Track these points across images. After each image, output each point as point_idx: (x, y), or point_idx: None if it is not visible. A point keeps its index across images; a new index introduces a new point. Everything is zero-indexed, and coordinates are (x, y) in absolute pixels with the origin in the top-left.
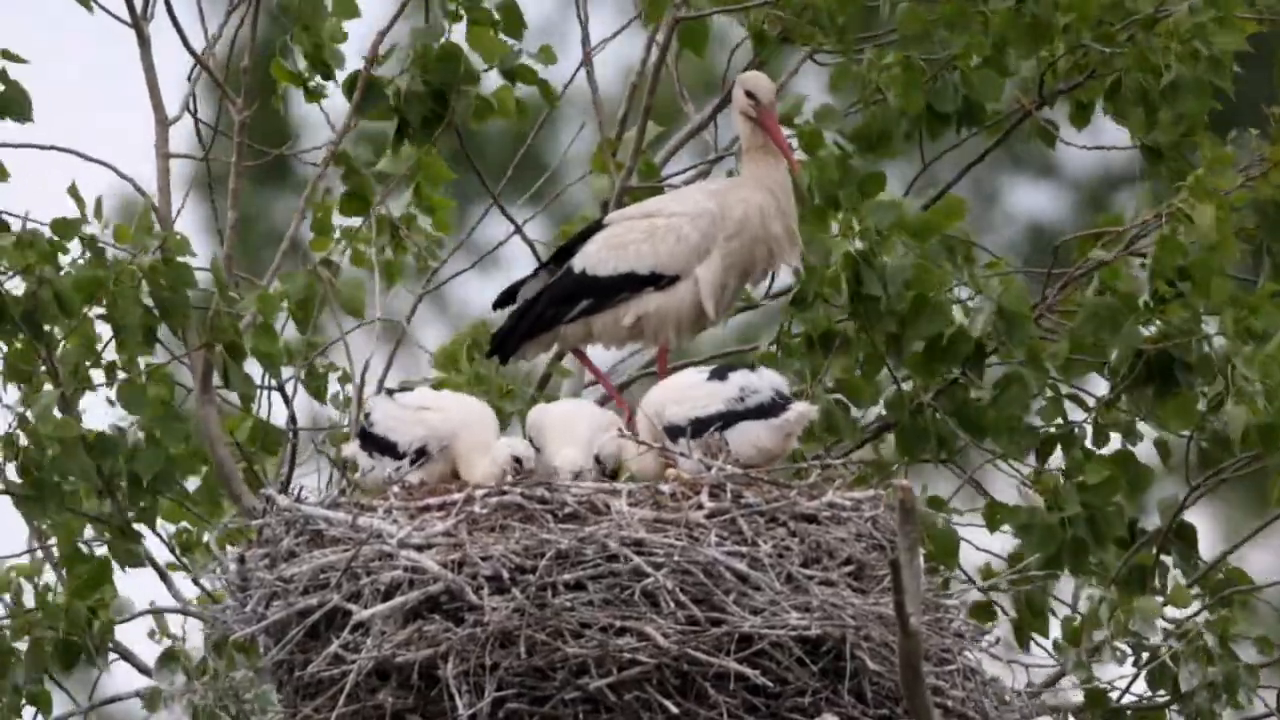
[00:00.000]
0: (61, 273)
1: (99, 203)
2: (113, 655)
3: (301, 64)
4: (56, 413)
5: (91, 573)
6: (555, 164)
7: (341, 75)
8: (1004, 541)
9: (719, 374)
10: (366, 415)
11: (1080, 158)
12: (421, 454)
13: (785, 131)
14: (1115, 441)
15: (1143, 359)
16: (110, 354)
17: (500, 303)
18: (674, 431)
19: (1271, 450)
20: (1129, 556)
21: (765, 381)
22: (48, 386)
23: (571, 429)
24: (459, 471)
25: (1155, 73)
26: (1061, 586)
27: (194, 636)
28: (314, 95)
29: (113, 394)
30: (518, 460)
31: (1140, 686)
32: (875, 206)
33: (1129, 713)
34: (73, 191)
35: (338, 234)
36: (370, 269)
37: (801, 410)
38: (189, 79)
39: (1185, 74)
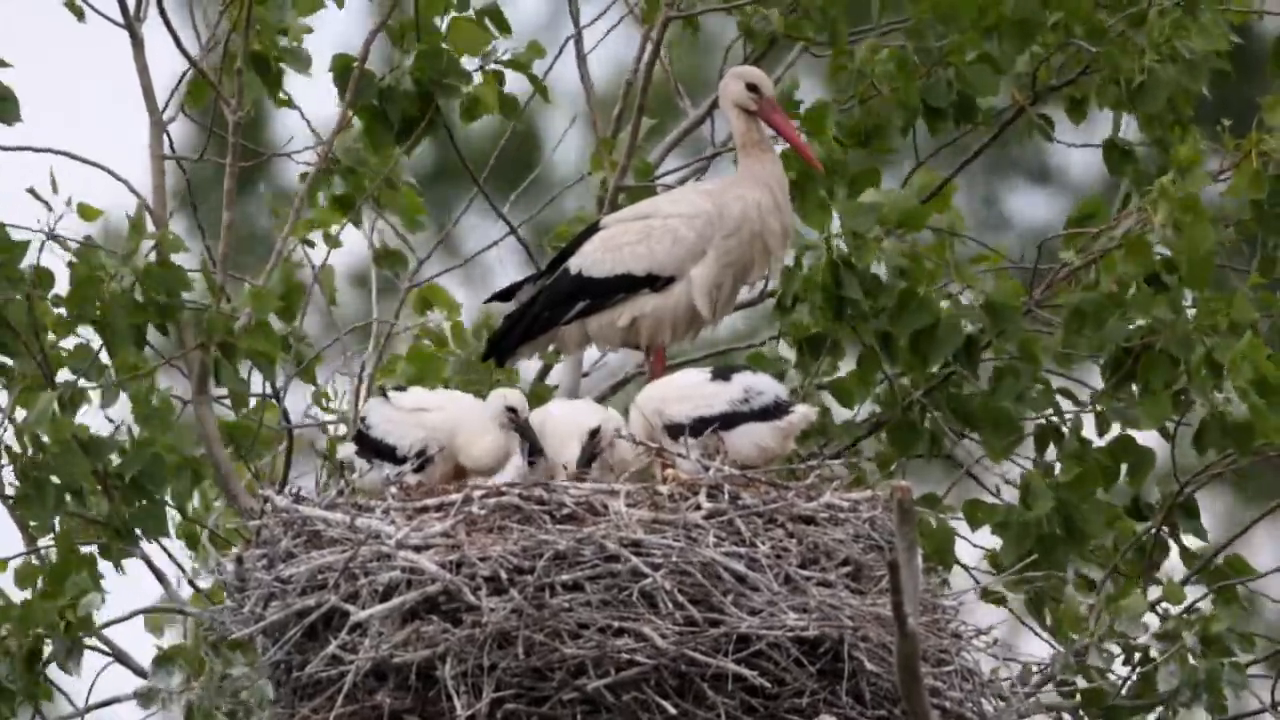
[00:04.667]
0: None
1: (69, 201)
2: (108, 658)
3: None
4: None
5: (58, 568)
6: (544, 165)
7: (310, 74)
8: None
9: (722, 375)
10: (362, 419)
11: (1076, 163)
12: (422, 456)
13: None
14: (1113, 430)
15: (1131, 355)
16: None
17: (494, 300)
18: (675, 429)
19: (1245, 449)
20: (1132, 545)
21: (767, 384)
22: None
23: (574, 429)
24: (461, 462)
25: (1131, 71)
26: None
27: (188, 636)
28: (283, 101)
29: (99, 398)
30: (512, 409)
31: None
32: (855, 209)
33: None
34: (32, 192)
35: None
36: (338, 246)
37: (803, 413)
38: (186, 82)
39: (1160, 75)
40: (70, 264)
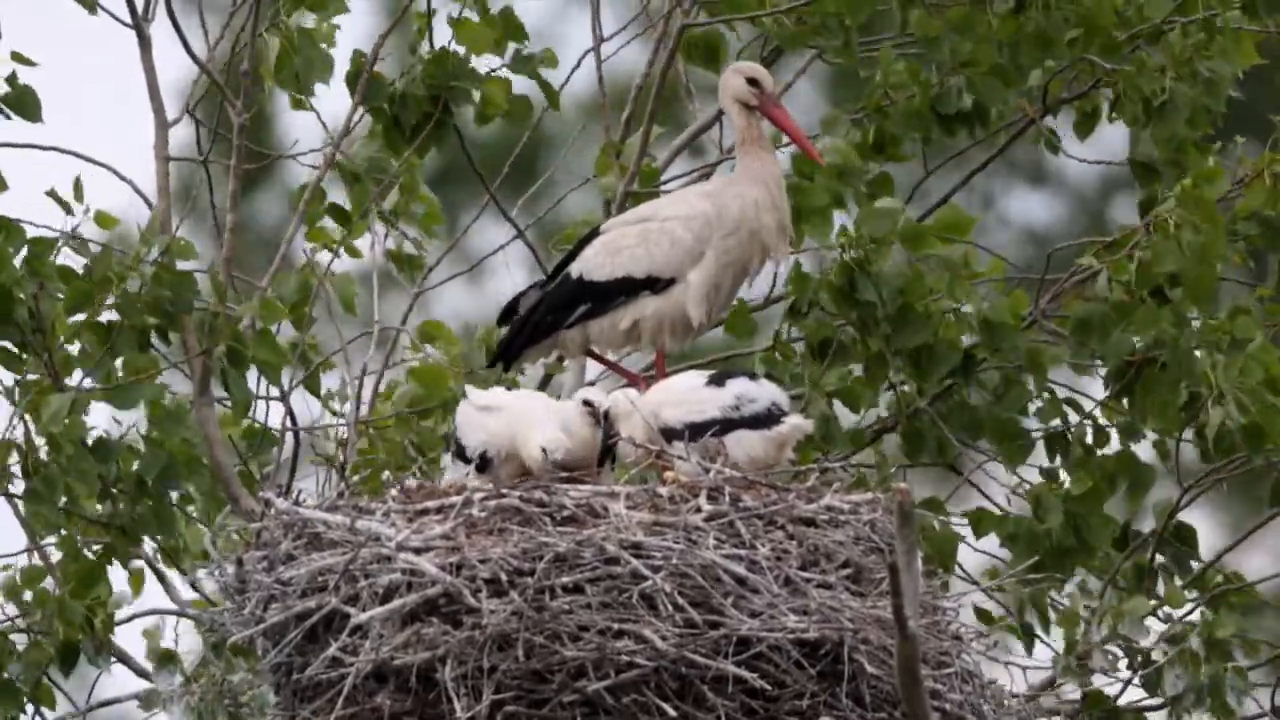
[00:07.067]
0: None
1: (86, 210)
2: (110, 658)
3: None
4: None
5: (85, 572)
6: (554, 168)
7: (333, 79)
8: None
9: (718, 380)
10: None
11: (1077, 165)
12: (484, 459)
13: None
14: (1115, 442)
15: (1133, 367)
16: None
17: (504, 319)
18: (669, 434)
19: (1255, 451)
20: (1124, 559)
21: (764, 391)
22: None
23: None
24: (525, 463)
25: (1152, 91)
26: (1065, 590)
27: (190, 639)
28: (300, 103)
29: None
30: (588, 403)
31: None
32: (871, 214)
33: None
34: (52, 194)
35: (333, 227)
36: (358, 257)
37: (796, 423)
38: (196, 84)
39: (1181, 94)
40: (86, 267)
